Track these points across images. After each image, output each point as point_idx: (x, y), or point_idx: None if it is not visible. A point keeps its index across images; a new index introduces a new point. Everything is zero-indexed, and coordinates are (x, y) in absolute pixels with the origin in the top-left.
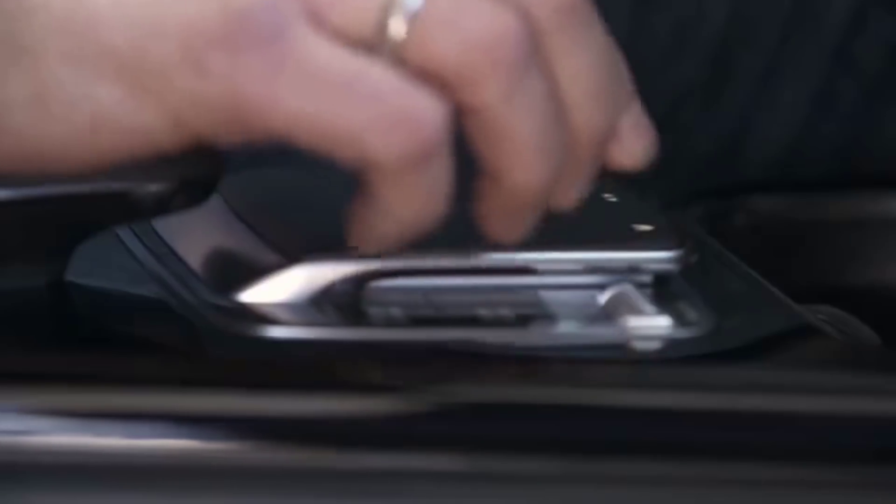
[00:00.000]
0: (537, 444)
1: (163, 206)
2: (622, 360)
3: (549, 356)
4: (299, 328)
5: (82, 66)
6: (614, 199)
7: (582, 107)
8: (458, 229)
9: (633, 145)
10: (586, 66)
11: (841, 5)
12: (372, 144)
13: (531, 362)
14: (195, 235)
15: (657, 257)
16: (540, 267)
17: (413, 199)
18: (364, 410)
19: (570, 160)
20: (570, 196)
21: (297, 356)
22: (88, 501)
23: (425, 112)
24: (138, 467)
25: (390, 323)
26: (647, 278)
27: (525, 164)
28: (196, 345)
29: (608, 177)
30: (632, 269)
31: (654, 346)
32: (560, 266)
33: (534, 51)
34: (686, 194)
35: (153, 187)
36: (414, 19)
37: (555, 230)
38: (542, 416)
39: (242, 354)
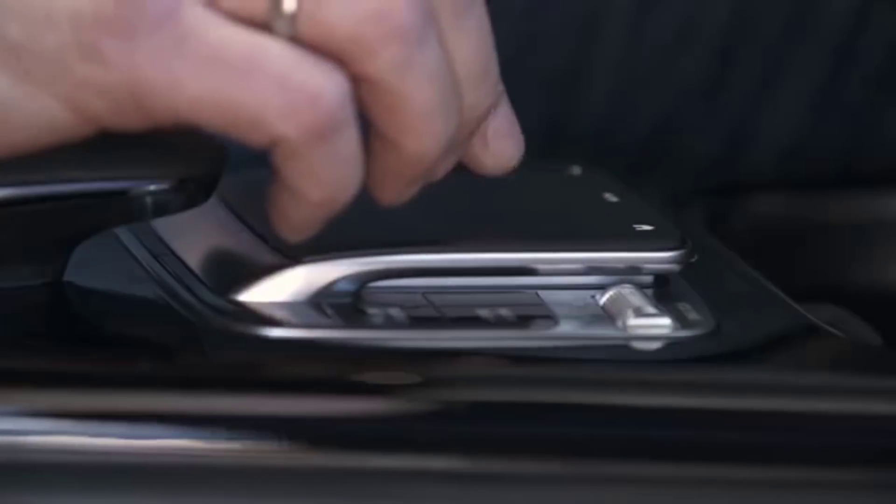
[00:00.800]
0: (537, 444)
1: (162, 206)
2: (622, 360)
3: (549, 356)
4: (299, 329)
5: None
6: (614, 199)
7: (468, 85)
8: (458, 229)
9: (502, 149)
10: (475, 45)
11: (842, 4)
12: (275, 124)
13: (531, 362)
14: (194, 235)
15: (657, 257)
16: (540, 267)
17: (322, 178)
18: (364, 410)
19: (457, 135)
20: (446, 169)
21: (296, 356)
22: (88, 501)
23: (327, 87)
24: (138, 467)
25: (390, 323)
26: (647, 278)
27: (418, 133)
28: (195, 345)
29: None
30: (632, 270)
31: (655, 346)
32: (560, 266)
33: (429, 23)
34: (686, 194)
35: (153, 187)
36: None
37: (555, 230)
38: (542, 416)
39: (242, 354)
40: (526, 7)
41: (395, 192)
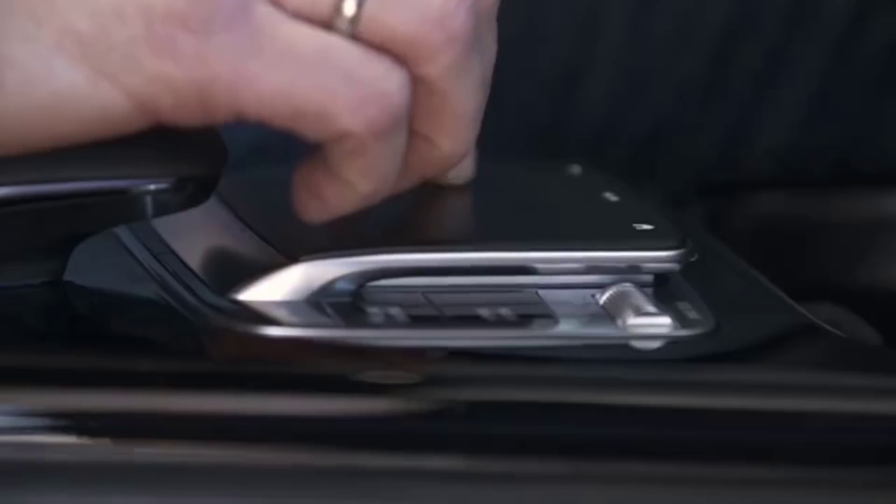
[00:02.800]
0: (537, 444)
1: (162, 205)
2: (622, 359)
3: (548, 355)
4: (298, 328)
5: (41, 46)
6: (614, 199)
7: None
8: (458, 228)
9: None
10: (493, 54)
11: (841, 4)
12: (344, 118)
13: (531, 361)
14: (195, 235)
15: (657, 257)
16: (540, 266)
17: (377, 172)
18: (364, 409)
19: None
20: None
21: (296, 356)
22: (88, 501)
23: (393, 83)
24: (138, 467)
25: (390, 323)
26: (647, 278)
27: (456, 135)
28: (196, 344)
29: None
30: (632, 269)
31: (655, 345)
32: (560, 266)
33: (477, 29)
34: (686, 194)
35: (153, 186)
36: None
37: (555, 229)
38: (541, 416)
39: (242, 354)
40: (526, 6)
41: (407, 185)
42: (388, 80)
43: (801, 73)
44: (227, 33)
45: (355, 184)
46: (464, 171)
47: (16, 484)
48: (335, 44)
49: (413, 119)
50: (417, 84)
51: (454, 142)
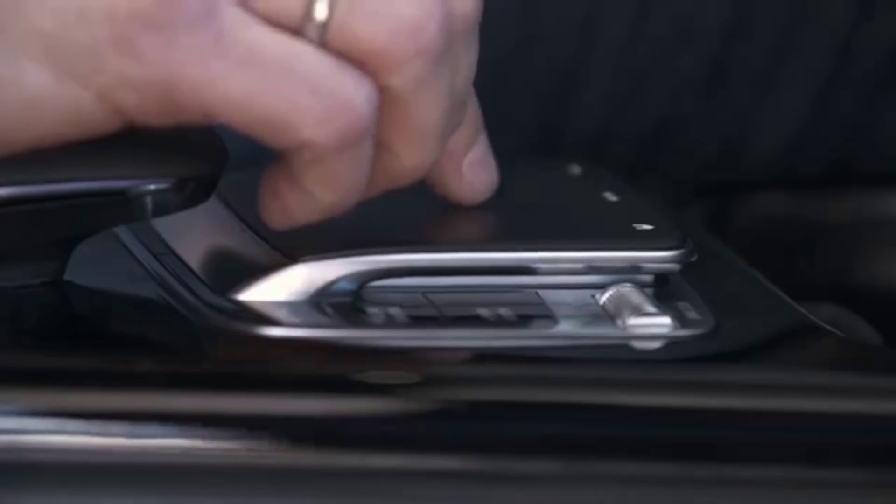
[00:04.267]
0: (537, 444)
1: (162, 205)
2: (622, 359)
3: (548, 355)
4: (299, 328)
5: (6, 50)
6: (614, 199)
7: (457, 106)
8: (458, 228)
9: (476, 179)
10: (470, 68)
11: (842, 4)
12: (306, 128)
13: (531, 362)
14: (195, 235)
15: (657, 257)
16: (540, 267)
17: (338, 184)
18: (364, 410)
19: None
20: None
21: (296, 356)
22: (88, 501)
23: (359, 95)
24: (138, 467)
25: (390, 323)
26: (647, 278)
27: (418, 147)
28: (196, 344)
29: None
30: (632, 269)
31: (654, 345)
32: (560, 266)
33: (449, 42)
34: (686, 194)
35: (153, 187)
36: (337, 2)
37: (555, 229)
38: (541, 416)
39: (242, 354)
40: (525, 7)
41: (372, 194)
42: (355, 93)
43: (801, 72)
44: (191, 34)
45: (316, 194)
46: (485, 186)
47: (15, 484)
48: (302, 51)
49: (377, 128)
50: (381, 93)
51: (415, 155)
